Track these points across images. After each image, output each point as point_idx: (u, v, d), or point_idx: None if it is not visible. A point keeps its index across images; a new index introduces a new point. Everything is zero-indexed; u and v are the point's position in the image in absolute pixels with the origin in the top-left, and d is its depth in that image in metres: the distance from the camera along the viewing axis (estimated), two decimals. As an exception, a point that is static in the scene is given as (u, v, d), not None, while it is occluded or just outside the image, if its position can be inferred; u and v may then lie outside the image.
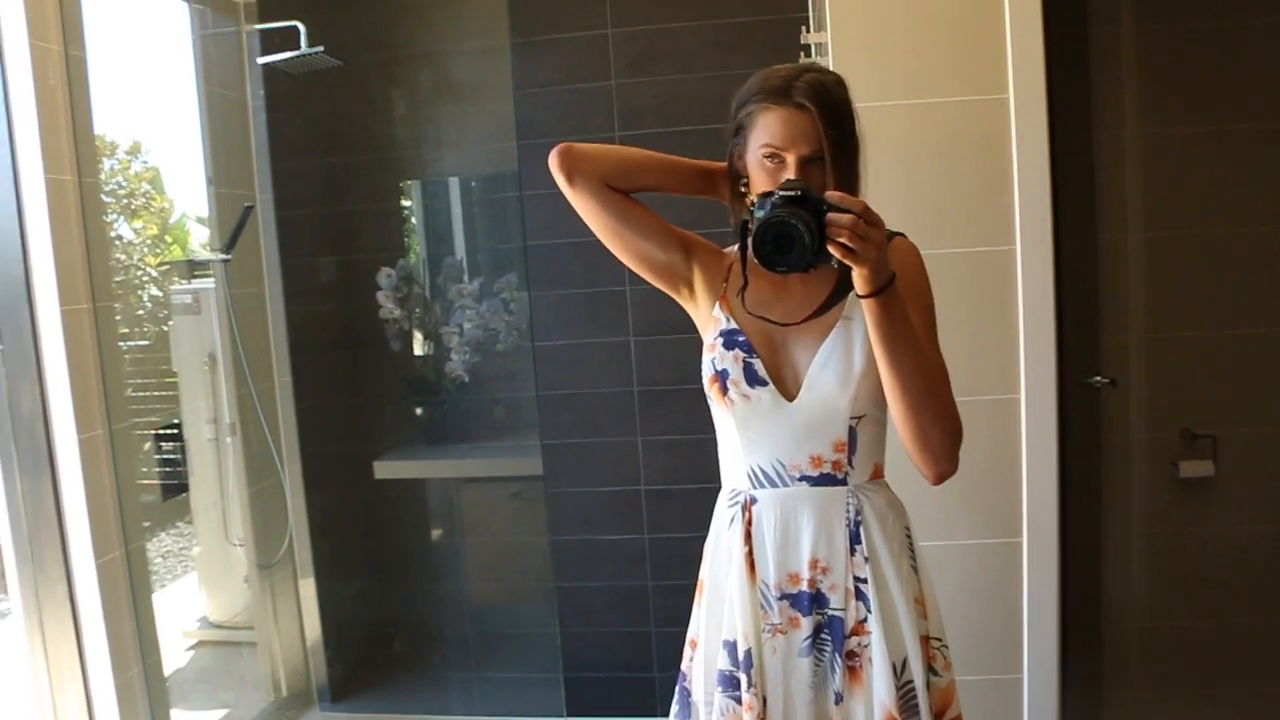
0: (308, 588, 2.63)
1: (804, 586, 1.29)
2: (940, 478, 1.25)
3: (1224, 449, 2.48)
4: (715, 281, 1.38)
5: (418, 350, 2.68)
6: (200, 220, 3.11)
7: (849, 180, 1.26)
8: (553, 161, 1.29)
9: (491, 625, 2.74)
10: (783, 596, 1.30)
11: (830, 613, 1.28)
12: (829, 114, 1.24)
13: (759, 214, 1.15)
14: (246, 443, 2.52)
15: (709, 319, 1.35)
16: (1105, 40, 2.45)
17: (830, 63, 1.74)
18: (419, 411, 2.69)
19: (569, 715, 2.41)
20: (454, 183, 2.78)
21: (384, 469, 2.61)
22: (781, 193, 1.15)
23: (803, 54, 1.96)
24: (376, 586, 2.80)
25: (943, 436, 1.24)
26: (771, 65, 1.28)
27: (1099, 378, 2.25)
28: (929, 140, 1.72)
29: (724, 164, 1.36)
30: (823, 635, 1.29)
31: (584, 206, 1.33)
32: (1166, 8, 2.44)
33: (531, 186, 2.37)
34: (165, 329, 2.98)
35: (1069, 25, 2.09)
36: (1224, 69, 2.42)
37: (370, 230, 2.74)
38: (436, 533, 2.84)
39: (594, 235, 1.33)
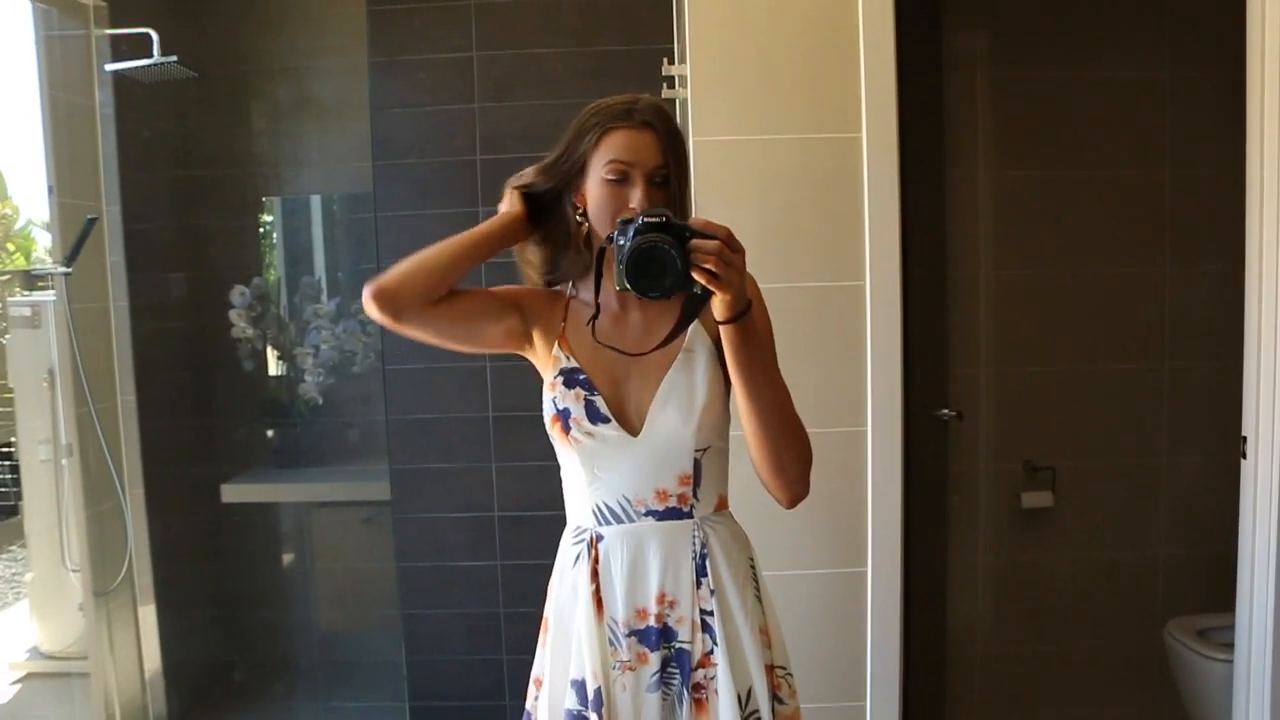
0: (147, 615, 2.52)
1: (651, 621, 1.29)
2: (794, 501, 1.28)
3: (1063, 481, 2.58)
4: (553, 323, 1.36)
5: (271, 371, 2.61)
6: (46, 227, 2.97)
7: (685, 203, 1.29)
8: (370, 307, 1.25)
9: (339, 653, 2.67)
10: (631, 633, 1.29)
11: (678, 645, 1.28)
12: (671, 133, 1.27)
13: (622, 241, 1.16)
14: (85, 464, 2.41)
15: (548, 359, 1.34)
16: (960, 84, 2.55)
17: (689, 95, 1.76)
18: (270, 434, 2.62)
19: (416, 744, 2.37)
20: (314, 201, 2.72)
21: (232, 492, 2.53)
22: (645, 219, 1.15)
23: (664, 85, 1.98)
24: (221, 614, 2.71)
25: (797, 460, 1.26)
26: (633, 93, 1.28)
27: (946, 410, 2.32)
28: (782, 175, 1.75)
29: (517, 210, 1.34)
30: (670, 669, 1.29)
31: (420, 334, 1.29)
32: (1021, 56, 2.54)
33: (387, 207, 2.33)
34: (2, 342, 2.85)
35: (925, 68, 2.17)
36: (1073, 117, 2.53)
37: (224, 247, 2.66)
38: (285, 559, 2.76)
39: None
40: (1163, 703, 2.42)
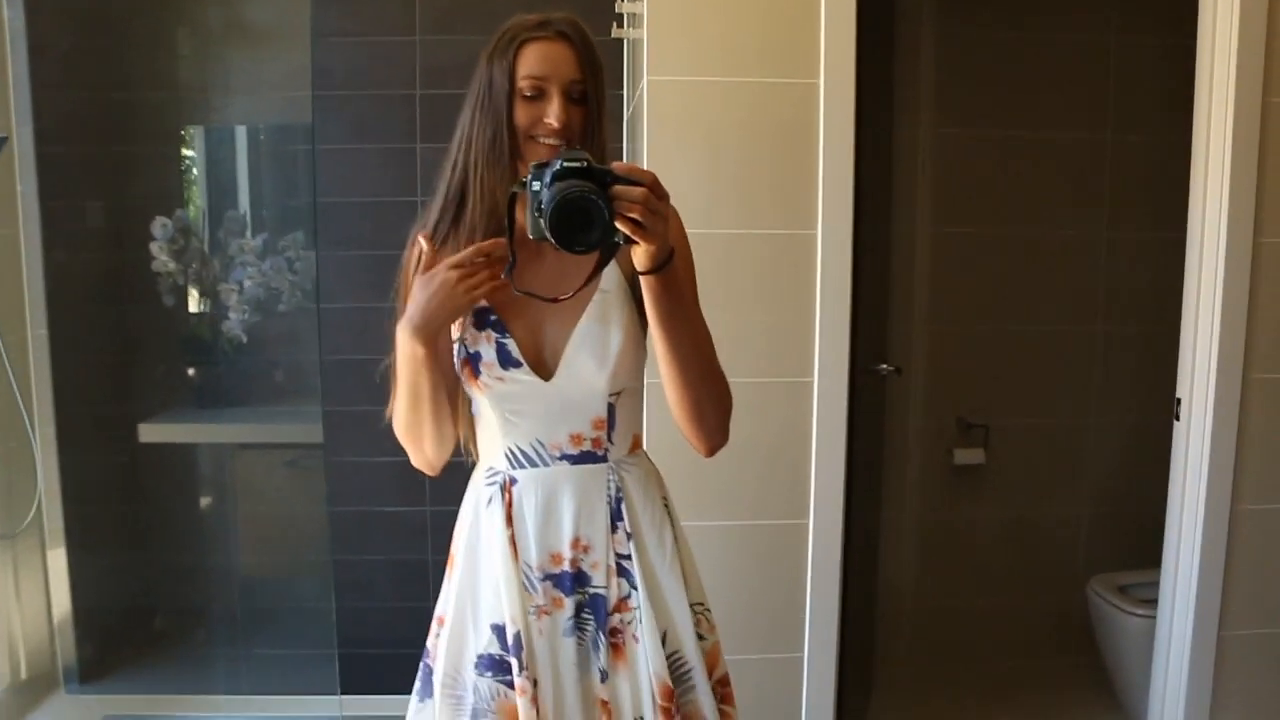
0: (57, 559, 2.43)
1: (566, 566, 1.26)
2: (713, 450, 1.26)
3: (994, 438, 2.61)
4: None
5: (193, 307, 2.50)
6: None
7: (602, 123, 1.24)
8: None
9: (263, 600, 2.60)
10: (545, 577, 1.27)
11: (592, 591, 1.26)
12: (588, 46, 1.23)
13: (542, 188, 1.09)
14: (-7, 399, 2.30)
15: None
16: (908, 38, 2.53)
17: (644, 34, 1.71)
18: (191, 372, 2.52)
19: (344, 692, 2.32)
20: (241, 131, 2.60)
21: (150, 432, 2.43)
22: (565, 163, 1.07)
23: (615, 24, 1.93)
24: (137, 558, 2.62)
25: (716, 409, 1.24)
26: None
27: (885, 365, 2.32)
28: (737, 119, 1.72)
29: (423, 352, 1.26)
30: (584, 614, 1.27)
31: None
32: (969, 12, 2.53)
33: (325, 140, 2.24)
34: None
35: (876, 20, 2.14)
36: (1018, 77, 2.54)
37: (146, 175, 2.54)
38: (206, 501, 2.67)
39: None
40: (1083, 654, 2.49)
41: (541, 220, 1.07)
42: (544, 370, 1.23)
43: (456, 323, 1.23)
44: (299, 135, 2.37)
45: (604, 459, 1.25)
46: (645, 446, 1.34)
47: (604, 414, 1.25)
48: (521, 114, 1.20)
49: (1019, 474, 2.62)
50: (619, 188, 1.05)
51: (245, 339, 2.44)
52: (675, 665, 1.28)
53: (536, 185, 1.08)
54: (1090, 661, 2.46)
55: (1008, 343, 2.58)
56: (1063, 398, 2.62)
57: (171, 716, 2.36)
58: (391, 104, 2.23)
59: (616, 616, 1.25)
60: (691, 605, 1.29)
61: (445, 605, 1.31)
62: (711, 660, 1.31)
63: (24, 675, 2.43)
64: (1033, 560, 2.64)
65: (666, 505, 1.31)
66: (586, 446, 1.24)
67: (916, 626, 2.66)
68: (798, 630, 1.79)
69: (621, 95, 2.10)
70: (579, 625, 1.26)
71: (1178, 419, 1.93)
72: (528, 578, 1.25)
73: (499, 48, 1.22)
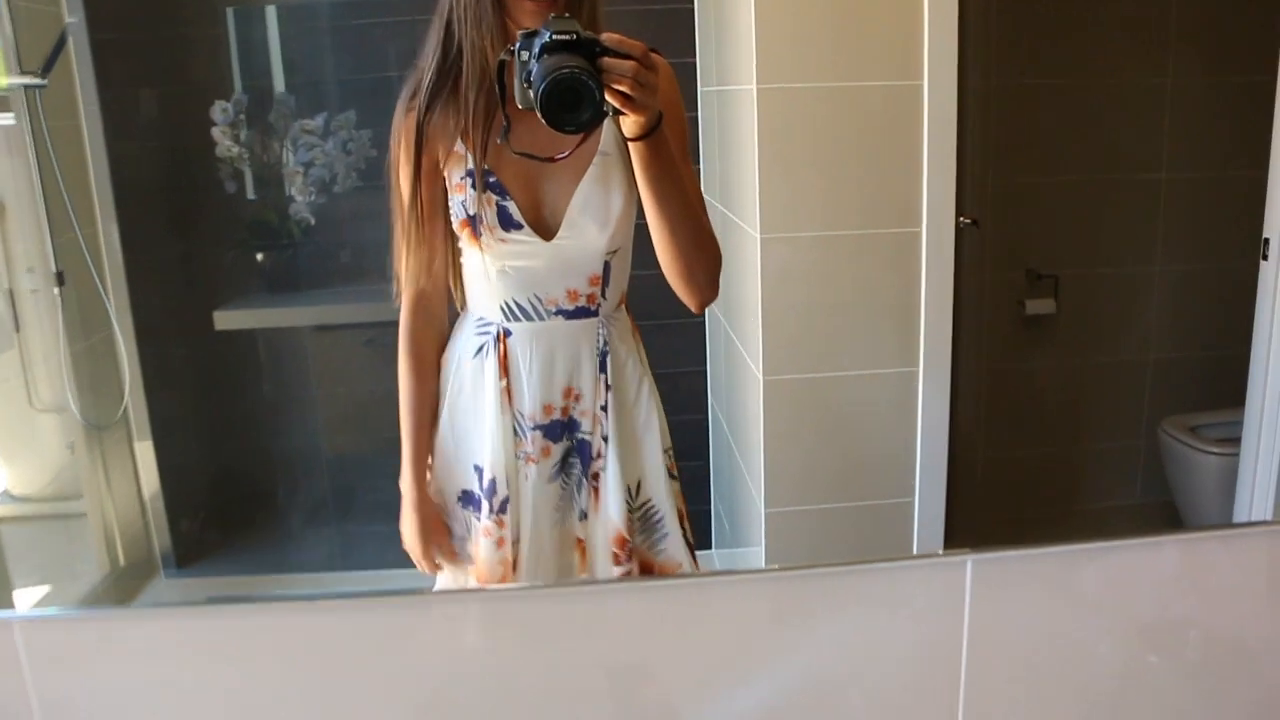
0: (144, 450, 2.45)
1: (557, 415, 1.35)
2: (702, 305, 1.33)
3: (1064, 288, 2.63)
4: (450, 129, 1.32)
5: (257, 192, 2.48)
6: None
7: None
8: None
9: (349, 478, 2.63)
10: (536, 427, 1.34)
11: (580, 437, 1.34)
12: None
13: (530, 59, 1.08)
14: (70, 296, 2.29)
15: (452, 157, 1.30)
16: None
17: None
18: (260, 257, 2.51)
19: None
20: (271, 11, 2.54)
21: (225, 319, 2.43)
22: (554, 35, 1.08)
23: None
24: (222, 444, 2.64)
25: (705, 269, 1.30)
26: None
27: (963, 218, 2.31)
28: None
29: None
30: (570, 459, 1.35)
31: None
32: None
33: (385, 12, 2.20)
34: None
35: None
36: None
37: (198, 59, 2.49)
38: (285, 385, 2.69)
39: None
40: (1154, 493, 2.54)
41: (531, 94, 1.08)
42: (544, 230, 1.27)
43: (454, 184, 1.25)
44: (357, 10, 2.32)
45: (595, 313, 1.30)
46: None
47: (600, 271, 1.30)
48: None
49: (1088, 323, 2.64)
50: (608, 60, 1.09)
51: (313, 221, 2.42)
52: (648, 514, 1.35)
53: (525, 55, 1.10)
54: (1160, 503, 2.52)
55: (1076, 193, 2.57)
56: (1129, 246, 2.62)
57: (270, 594, 2.42)
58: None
59: (598, 462, 1.30)
60: (666, 450, 1.35)
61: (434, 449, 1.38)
62: (682, 499, 1.39)
63: (123, 563, 2.48)
64: (1103, 406, 2.67)
65: (641, 356, 1.36)
66: (581, 302, 1.31)
67: (988, 474, 2.71)
68: (910, 478, 1.82)
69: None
70: (565, 470, 1.34)
71: (1265, 259, 1.95)
72: (519, 425, 1.31)
73: None
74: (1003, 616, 1.19)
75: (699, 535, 1.51)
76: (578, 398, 1.33)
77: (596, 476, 1.34)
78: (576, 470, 1.35)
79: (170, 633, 1.20)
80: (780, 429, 1.68)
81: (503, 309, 1.31)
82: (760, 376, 1.66)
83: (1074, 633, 1.24)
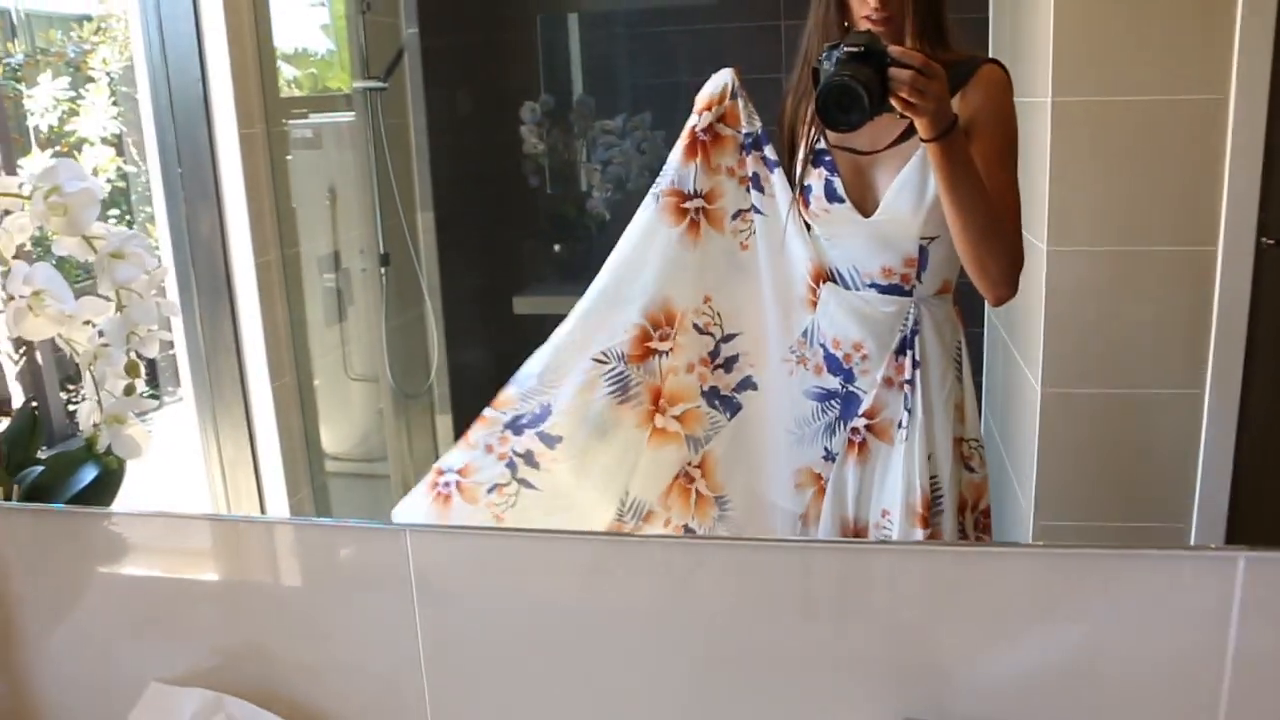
0: (444, 423, 2.68)
1: (839, 354, 1.42)
2: (999, 300, 1.45)
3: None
4: (803, 115, 1.50)
5: (559, 187, 2.66)
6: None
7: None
8: None
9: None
10: (820, 346, 1.44)
11: (850, 388, 1.42)
12: None
13: (827, 67, 1.28)
14: (392, 276, 2.54)
15: (801, 136, 1.49)
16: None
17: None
18: (557, 248, 2.69)
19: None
20: (573, 18, 2.71)
21: (524, 304, 2.63)
22: (847, 48, 1.26)
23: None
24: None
25: (999, 267, 1.39)
26: None
27: (1265, 239, 2.20)
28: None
29: None
30: (832, 402, 1.42)
31: None
32: None
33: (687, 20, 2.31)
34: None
35: None
36: None
37: (508, 62, 2.70)
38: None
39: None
40: None
41: (816, 99, 1.24)
42: (864, 207, 1.39)
43: (801, 157, 1.39)
44: (664, 16, 2.45)
45: (909, 294, 1.38)
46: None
47: (915, 254, 1.41)
48: None
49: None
50: (893, 70, 1.19)
51: (608, 216, 2.58)
52: (933, 488, 1.41)
53: (826, 65, 1.25)
54: None
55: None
56: None
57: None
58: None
59: (862, 420, 1.37)
60: (966, 440, 1.40)
61: None
62: (979, 492, 1.47)
63: (417, 524, 2.73)
64: None
65: (960, 349, 1.42)
66: (895, 280, 1.40)
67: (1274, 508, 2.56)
68: (1188, 503, 1.78)
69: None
70: (824, 401, 1.42)
71: None
72: (809, 334, 1.42)
73: None
74: (1275, 619, 1.17)
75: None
76: (865, 356, 1.46)
77: (855, 431, 1.46)
78: (834, 412, 1.48)
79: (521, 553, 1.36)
80: (1055, 442, 1.68)
81: (830, 275, 1.47)
82: (1039, 389, 1.66)
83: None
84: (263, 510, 2.01)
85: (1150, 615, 1.19)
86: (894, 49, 1.28)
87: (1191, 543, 1.75)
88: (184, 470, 2.02)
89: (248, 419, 1.97)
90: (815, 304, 1.44)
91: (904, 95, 1.25)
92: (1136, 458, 1.76)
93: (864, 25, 1.35)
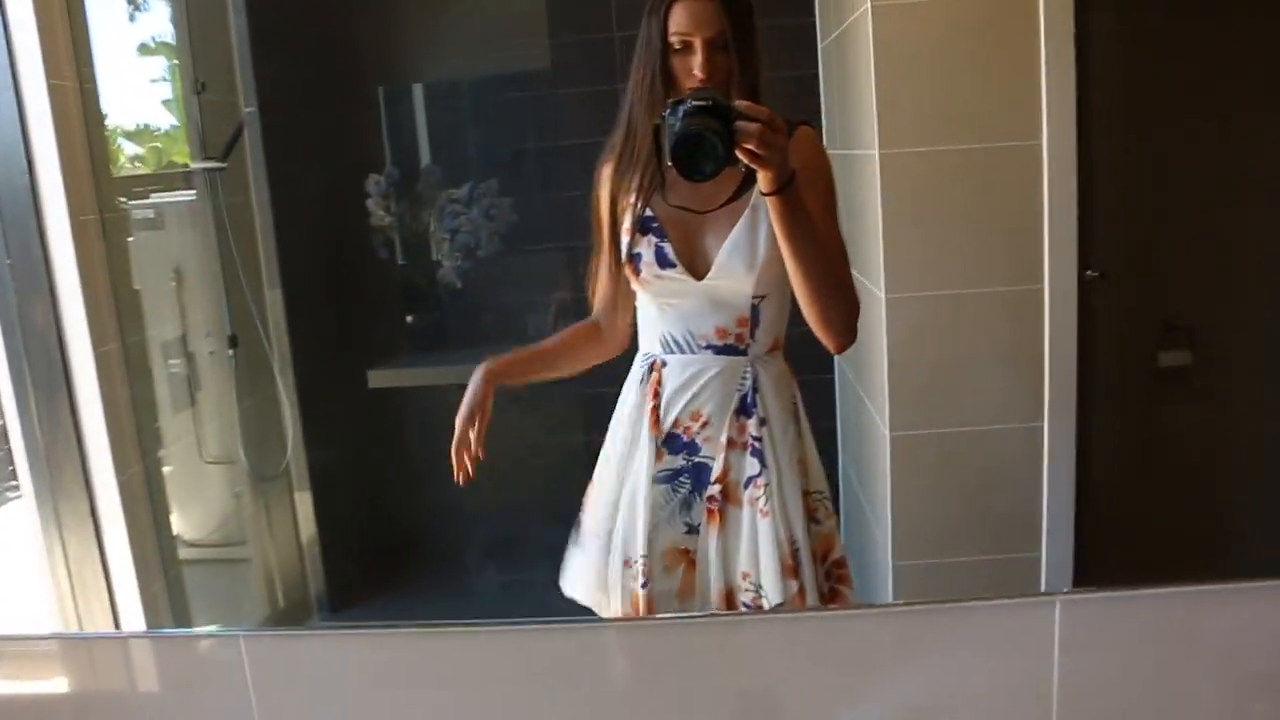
0: (304, 500, 2.61)
1: (679, 433, 1.44)
2: (841, 349, 1.47)
3: (1199, 338, 2.59)
4: (626, 182, 1.52)
5: (407, 258, 2.65)
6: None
7: (751, 65, 1.41)
8: None
9: (497, 531, 2.75)
10: (665, 439, 1.46)
11: (697, 460, 1.44)
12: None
13: (673, 121, 1.29)
14: (241, 356, 2.48)
15: (625, 205, 1.51)
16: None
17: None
18: (409, 319, 2.67)
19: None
20: (418, 88, 2.72)
21: (378, 378, 2.59)
22: (694, 102, 1.29)
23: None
24: (374, 496, 2.79)
25: (841, 314, 1.42)
26: None
27: (1090, 271, 2.32)
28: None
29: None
30: (681, 478, 1.45)
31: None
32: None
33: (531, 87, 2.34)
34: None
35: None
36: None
37: (351, 136, 2.68)
38: (435, 440, 2.82)
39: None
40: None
41: (669, 149, 1.26)
42: (696, 270, 1.41)
43: (625, 228, 1.41)
44: (509, 83, 2.47)
45: (744, 353, 1.42)
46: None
47: (748, 313, 1.43)
48: (674, 64, 1.43)
49: (1227, 376, 2.59)
50: (739, 123, 1.24)
51: (459, 284, 2.57)
52: (789, 541, 1.45)
53: (672, 120, 1.27)
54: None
55: (1210, 240, 2.54)
56: (1271, 294, 2.57)
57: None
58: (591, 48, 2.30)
59: (716, 487, 1.40)
60: (810, 493, 1.44)
61: (597, 471, 1.63)
62: (827, 544, 1.52)
63: (282, 605, 2.65)
64: (1239, 461, 2.62)
65: (795, 403, 1.46)
66: (730, 340, 1.42)
67: (1119, 531, 2.67)
68: (1036, 531, 1.84)
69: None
70: (673, 480, 1.45)
71: None
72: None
73: (653, 4, 1.39)
74: (1094, 657, 1.22)
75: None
76: (705, 424, 1.47)
77: (712, 499, 1.48)
78: (685, 488, 1.49)
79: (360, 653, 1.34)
80: (908, 483, 1.73)
81: (662, 341, 1.48)
82: (887, 432, 1.71)
83: (1174, 677, 1.27)
84: (114, 608, 1.92)
85: (980, 662, 1.24)
86: (740, 103, 1.30)
87: (1043, 571, 1.82)
88: (26, 568, 1.93)
89: (93, 513, 1.89)
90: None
91: (751, 147, 1.27)
92: (986, 492, 1.82)
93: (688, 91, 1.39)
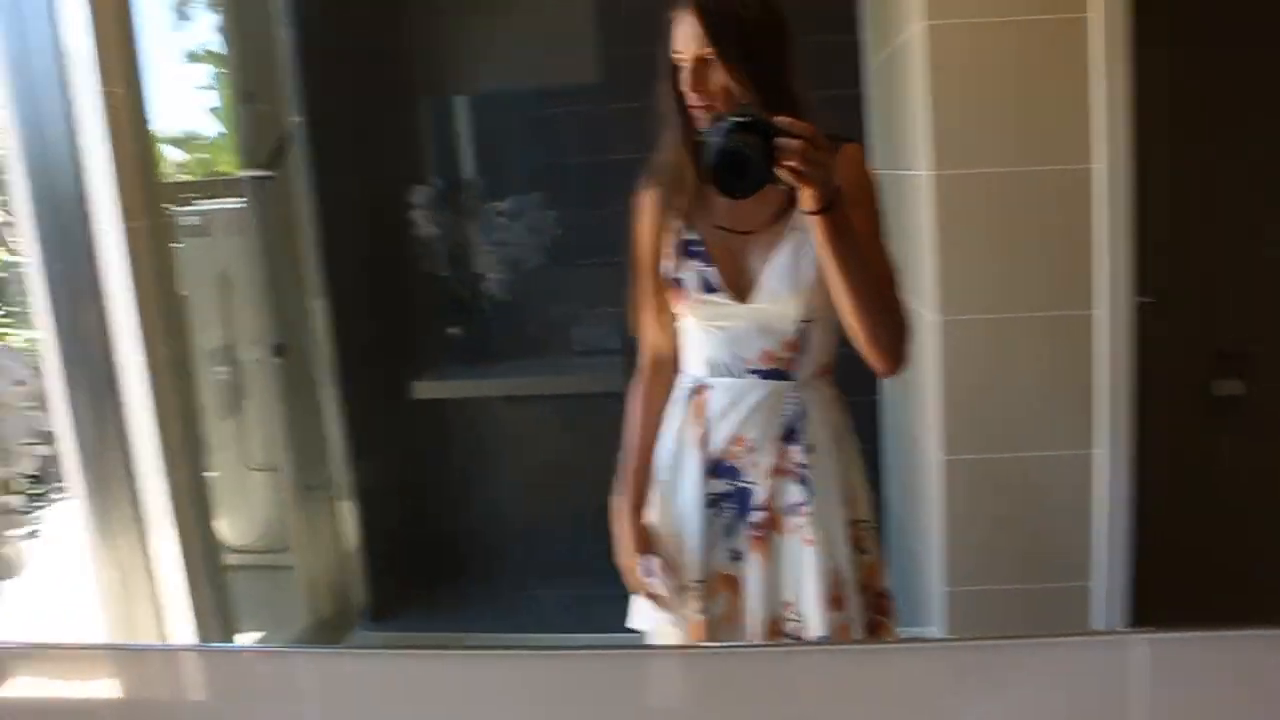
0: (347, 509, 2.62)
1: (727, 459, 1.41)
2: (890, 372, 1.42)
3: (1257, 367, 2.54)
4: (669, 205, 1.47)
5: (453, 270, 2.65)
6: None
7: (767, 83, 1.34)
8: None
9: (537, 543, 2.75)
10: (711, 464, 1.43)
11: (740, 484, 1.41)
12: (710, 12, 1.34)
13: (711, 139, 1.25)
14: (287, 365, 2.49)
15: (668, 228, 1.46)
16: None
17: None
18: (453, 331, 2.67)
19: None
20: (461, 101, 2.72)
21: (423, 389, 2.60)
22: (733, 119, 1.25)
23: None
24: (416, 507, 2.80)
25: (889, 336, 1.38)
26: None
27: (1142, 297, 2.28)
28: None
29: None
30: (725, 503, 1.41)
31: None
32: None
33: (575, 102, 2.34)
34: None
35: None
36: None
37: (396, 148, 2.69)
38: (477, 451, 2.83)
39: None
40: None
41: (706, 167, 1.23)
42: (741, 294, 1.37)
43: (665, 252, 1.38)
44: (550, 98, 2.47)
45: (790, 378, 1.37)
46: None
47: (794, 337, 1.39)
48: (680, 84, 1.37)
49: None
50: (780, 140, 1.19)
51: (503, 297, 2.57)
52: (834, 572, 1.41)
53: (714, 137, 1.24)
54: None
55: (1263, 267, 2.49)
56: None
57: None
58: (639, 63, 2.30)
59: (760, 514, 1.36)
60: (855, 521, 1.38)
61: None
62: (871, 573, 1.47)
63: (325, 614, 2.65)
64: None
65: (845, 429, 1.43)
66: (777, 365, 1.38)
67: (1176, 560, 2.62)
68: (1085, 560, 1.81)
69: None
70: (715, 505, 1.41)
71: None
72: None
73: (666, 24, 1.36)
74: (1179, 700, 1.19)
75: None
76: (751, 449, 1.43)
77: (758, 527, 1.44)
78: (729, 513, 1.46)
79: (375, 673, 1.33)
80: (959, 509, 1.71)
81: (708, 365, 1.45)
82: (940, 456, 1.69)
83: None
84: (159, 611, 1.93)
85: (1056, 701, 1.21)
86: (781, 119, 1.24)
87: (1098, 598, 1.79)
88: (75, 568, 1.94)
89: (140, 516, 1.89)
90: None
91: (793, 165, 1.23)
92: (1035, 519, 1.79)
93: (695, 113, 1.36)
